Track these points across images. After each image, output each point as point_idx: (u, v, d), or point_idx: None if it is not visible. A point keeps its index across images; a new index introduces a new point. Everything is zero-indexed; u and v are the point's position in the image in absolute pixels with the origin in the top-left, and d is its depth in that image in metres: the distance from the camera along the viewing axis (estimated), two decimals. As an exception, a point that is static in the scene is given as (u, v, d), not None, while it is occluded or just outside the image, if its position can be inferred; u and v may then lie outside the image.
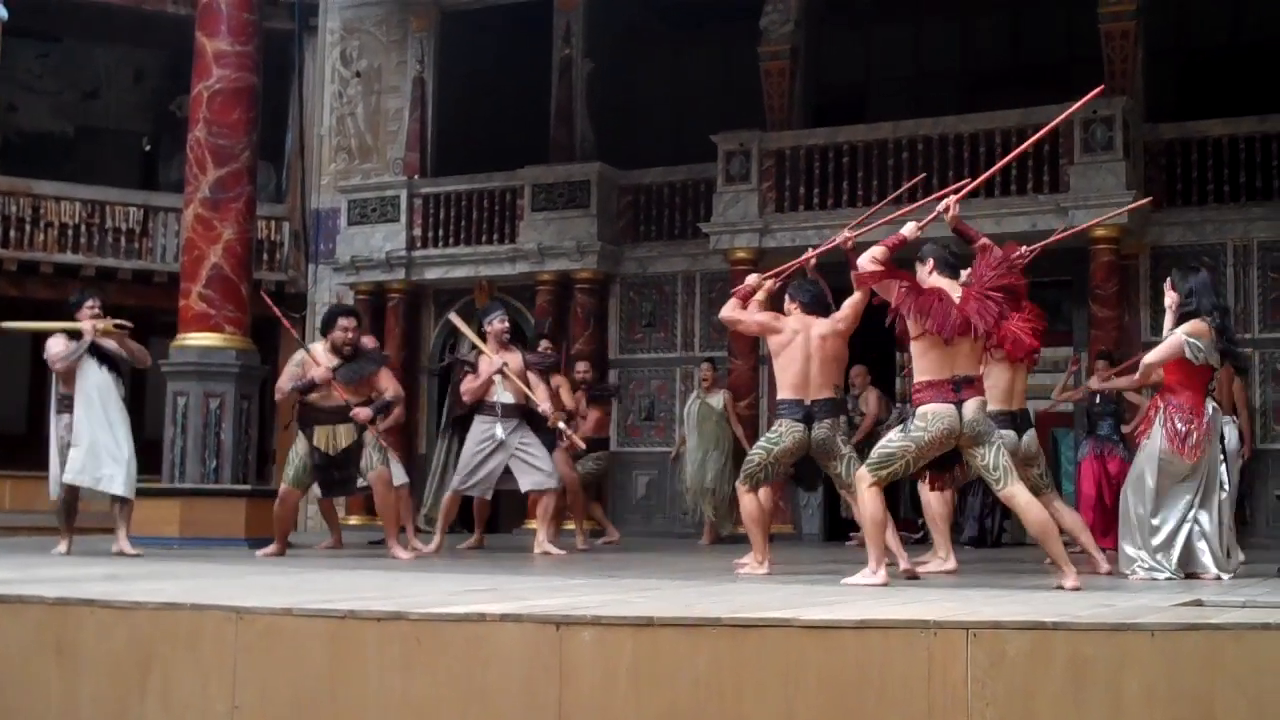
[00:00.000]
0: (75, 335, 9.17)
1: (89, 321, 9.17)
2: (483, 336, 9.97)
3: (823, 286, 7.83)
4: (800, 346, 7.55)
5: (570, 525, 11.70)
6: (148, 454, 10.63)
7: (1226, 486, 7.37)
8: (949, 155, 13.90)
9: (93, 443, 9.08)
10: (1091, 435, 10.98)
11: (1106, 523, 9.69)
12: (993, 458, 6.42)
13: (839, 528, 13.75)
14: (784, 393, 7.62)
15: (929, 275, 6.58)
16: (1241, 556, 7.57)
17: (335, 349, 9.05)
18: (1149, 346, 8.56)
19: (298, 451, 9.09)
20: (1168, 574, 6.97)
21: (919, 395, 6.46)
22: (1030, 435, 8.07)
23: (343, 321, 9.10)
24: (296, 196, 17.96)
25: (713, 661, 4.27)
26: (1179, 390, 7.11)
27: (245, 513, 10.85)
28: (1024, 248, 7.11)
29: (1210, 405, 7.17)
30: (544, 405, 9.79)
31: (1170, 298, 7.30)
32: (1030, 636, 4.07)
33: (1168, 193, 13.55)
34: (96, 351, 9.15)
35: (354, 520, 14.81)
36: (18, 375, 17.55)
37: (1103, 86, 7.58)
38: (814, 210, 14.48)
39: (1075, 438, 13.04)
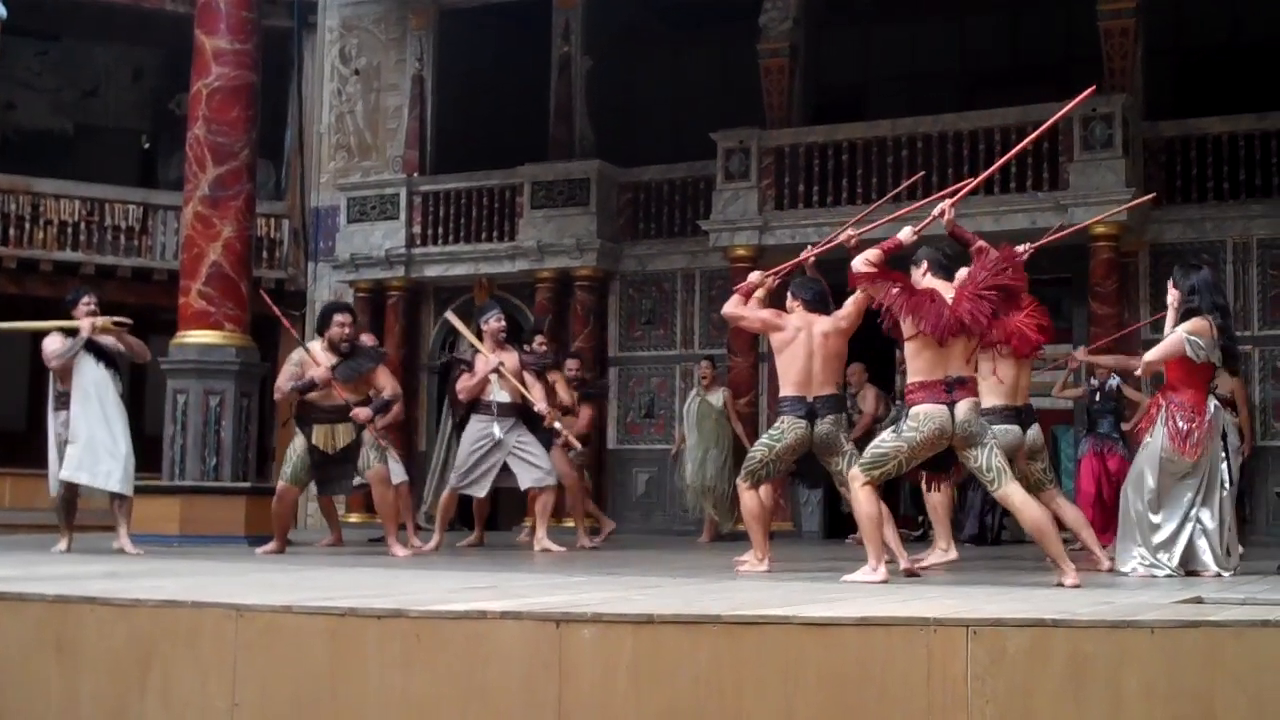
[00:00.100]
0: (72, 333, 9.17)
1: (86, 319, 9.17)
2: (480, 336, 9.98)
3: (823, 284, 7.85)
4: (803, 343, 7.56)
5: (570, 523, 11.70)
6: (148, 451, 10.66)
7: (1228, 484, 7.37)
8: (948, 153, 13.90)
9: (90, 439, 9.08)
10: (1091, 433, 10.98)
11: (1106, 520, 9.69)
12: (986, 459, 6.43)
13: (839, 525, 13.74)
14: (786, 390, 7.63)
15: (923, 277, 6.60)
16: (1240, 550, 7.57)
17: (332, 345, 9.04)
18: (1149, 345, 8.56)
19: (295, 448, 9.09)
20: (1167, 572, 6.97)
21: (912, 396, 6.48)
22: (1035, 430, 8.10)
23: (338, 317, 9.10)
24: (296, 194, 17.95)
25: (713, 659, 4.27)
26: (1180, 388, 7.10)
27: (245, 510, 10.87)
28: (1021, 246, 7.12)
29: (1212, 403, 7.17)
30: (540, 405, 9.80)
31: (1172, 295, 7.30)
32: (1030, 634, 4.08)
33: (1167, 190, 13.52)
34: (93, 348, 9.15)
35: (354, 518, 14.84)
36: (17, 373, 17.53)
37: (1094, 87, 7.60)
38: (813, 208, 14.47)
39: (1075, 435, 13.05)
